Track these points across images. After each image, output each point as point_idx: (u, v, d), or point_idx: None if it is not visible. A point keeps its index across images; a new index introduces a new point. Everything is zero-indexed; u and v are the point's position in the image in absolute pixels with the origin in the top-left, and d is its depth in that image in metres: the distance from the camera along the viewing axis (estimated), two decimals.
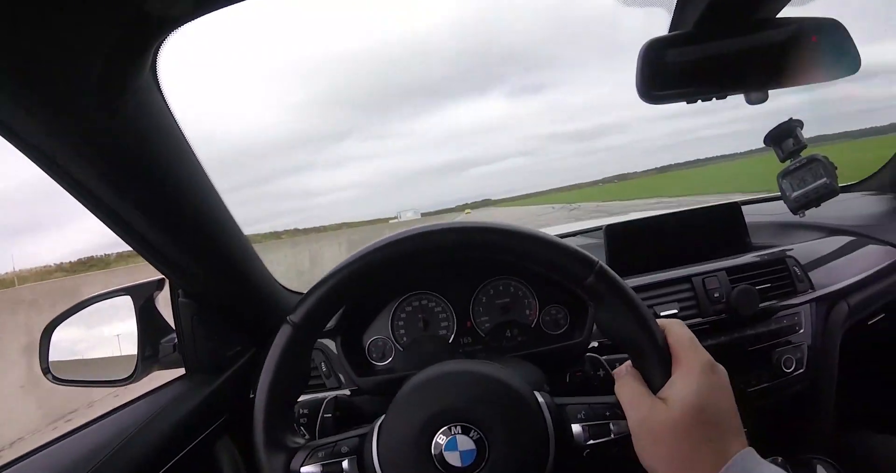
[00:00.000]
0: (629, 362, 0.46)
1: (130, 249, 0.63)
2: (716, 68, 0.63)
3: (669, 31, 0.65)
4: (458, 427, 0.43)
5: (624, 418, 0.43)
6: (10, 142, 0.44)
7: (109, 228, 0.59)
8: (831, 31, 0.61)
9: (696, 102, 0.67)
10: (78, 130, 0.46)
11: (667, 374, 0.42)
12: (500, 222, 0.48)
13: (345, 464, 0.45)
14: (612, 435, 0.44)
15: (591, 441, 0.44)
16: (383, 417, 0.48)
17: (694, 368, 0.41)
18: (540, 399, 0.46)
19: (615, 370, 0.46)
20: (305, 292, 0.49)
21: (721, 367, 0.43)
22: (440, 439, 0.43)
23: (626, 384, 0.43)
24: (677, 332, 0.44)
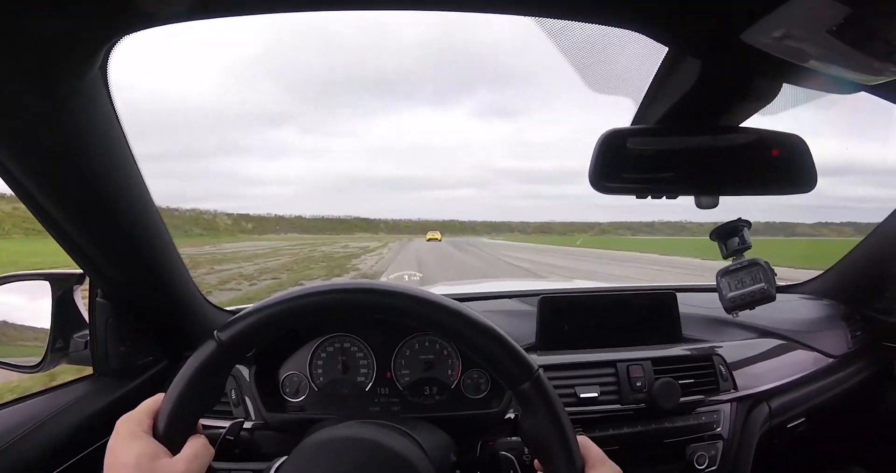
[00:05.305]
0: None
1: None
2: (671, 168, 0.63)
3: (632, 124, 0.67)
4: None
5: None
6: None
7: (34, 215, 0.59)
8: (794, 147, 0.61)
9: (646, 197, 0.68)
10: (16, 117, 0.46)
11: None
12: (456, 303, 0.47)
13: None
14: None
15: None
16: (283, 460, 0.48)
17: (608, 470, 0.45)
18: None
19: None
20: (235, 310, 0.48)
21: None
22: None
23: None
24: (592, 448, 0.48)
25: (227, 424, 0.67)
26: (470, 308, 0.48)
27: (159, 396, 0.47)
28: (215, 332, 0.46)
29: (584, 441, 0.48)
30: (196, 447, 0.45)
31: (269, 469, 0.47)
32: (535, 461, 0.49)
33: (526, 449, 0.61)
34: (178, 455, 0.43)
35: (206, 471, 0.45)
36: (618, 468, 0.46)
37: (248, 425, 0.76)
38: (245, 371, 0.79)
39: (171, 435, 0.44)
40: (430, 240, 48.07)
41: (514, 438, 0.68)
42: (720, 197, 0.69)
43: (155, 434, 0.44)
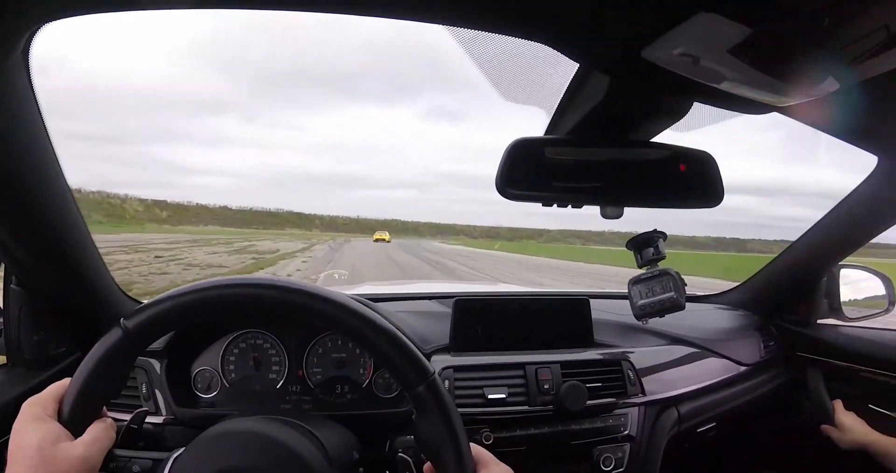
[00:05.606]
0: None
1: None
2: (578, 177, 0.64)
3: (545, 134, 0.70)
4: None
5: None
6: None
7: None
8: (701, 163, 0.63)
9: (551, 206, 0.70)
10: None
11: None
12: (357, 303, 0.48)
13: None
14: None
15: None
16: (181, 451, 0.49)
17: (500, 469, 0.47)
18: None
19: None
20: (147, 301, 0.49)
21: None
22: None
23: None
24: (483, 453, 0.49)
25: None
26: (376, 309, 0.49)
27: (66, 380, 0.47)
28: (122, 320, 0.47)
29: (475, 447, 0.49)
30: (97, 431, 0.45)
31: (168, 458, 0.48)
32: (427, 465, 0.51)
33: None
34: (78, 439, 0.44)
35: (107, 457, 0.46)
36: (509, 469, 0.47)
37: (158, 420, 0.76)
38: (157, 365, 0.79)
39: (74, 420, 0.45)
40: (377, 241, 44.86)
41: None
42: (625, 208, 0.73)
43: (59, 418, 0.45)
